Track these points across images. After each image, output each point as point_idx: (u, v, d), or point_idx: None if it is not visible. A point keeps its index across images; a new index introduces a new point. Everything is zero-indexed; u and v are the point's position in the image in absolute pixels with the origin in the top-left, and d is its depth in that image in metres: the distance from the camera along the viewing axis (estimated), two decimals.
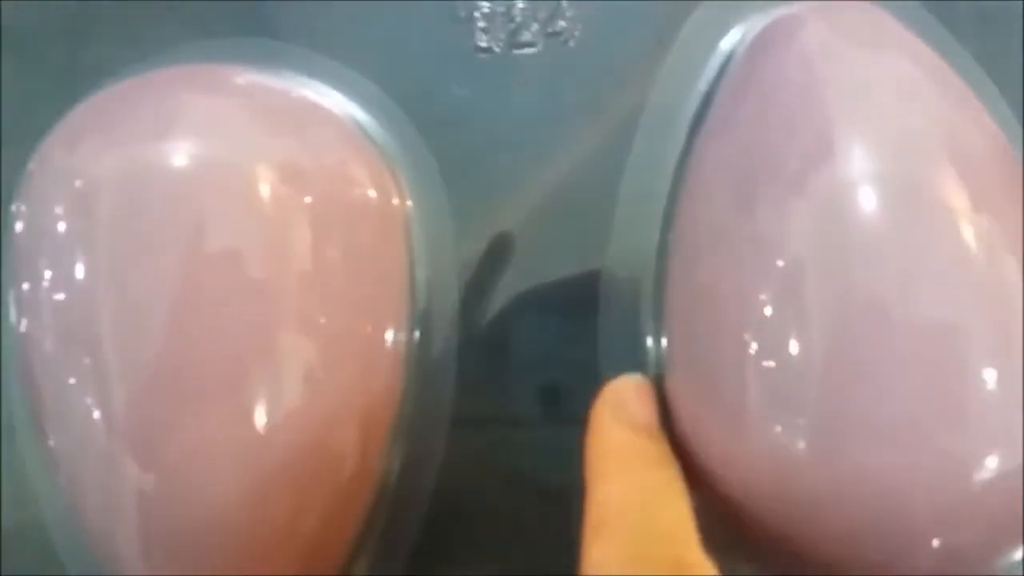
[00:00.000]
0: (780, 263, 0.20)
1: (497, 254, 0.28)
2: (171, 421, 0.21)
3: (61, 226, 0.22)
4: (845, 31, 0.23)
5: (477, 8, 0.29)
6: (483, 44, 0.29)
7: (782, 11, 0.25)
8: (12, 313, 0.23)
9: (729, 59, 0.26)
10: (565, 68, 0.28)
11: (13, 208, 0.23)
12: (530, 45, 0.29)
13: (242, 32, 0.29)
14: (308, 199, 0.23)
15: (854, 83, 0.22)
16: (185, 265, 0.22)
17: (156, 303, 0.21)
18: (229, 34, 0.29)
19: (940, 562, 0.20)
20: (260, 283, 0.22)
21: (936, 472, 0.19)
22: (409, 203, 0.28)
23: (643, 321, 0.26)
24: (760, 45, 0.25)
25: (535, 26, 0.29)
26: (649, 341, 0.26)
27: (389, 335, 0.25)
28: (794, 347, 0.20)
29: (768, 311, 0.20)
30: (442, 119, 0.28)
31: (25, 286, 0.22)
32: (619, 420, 0.22)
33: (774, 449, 0.20)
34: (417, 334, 0.27)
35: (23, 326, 0.23)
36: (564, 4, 0.29)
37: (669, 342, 0.25)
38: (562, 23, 0.29)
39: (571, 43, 0.29)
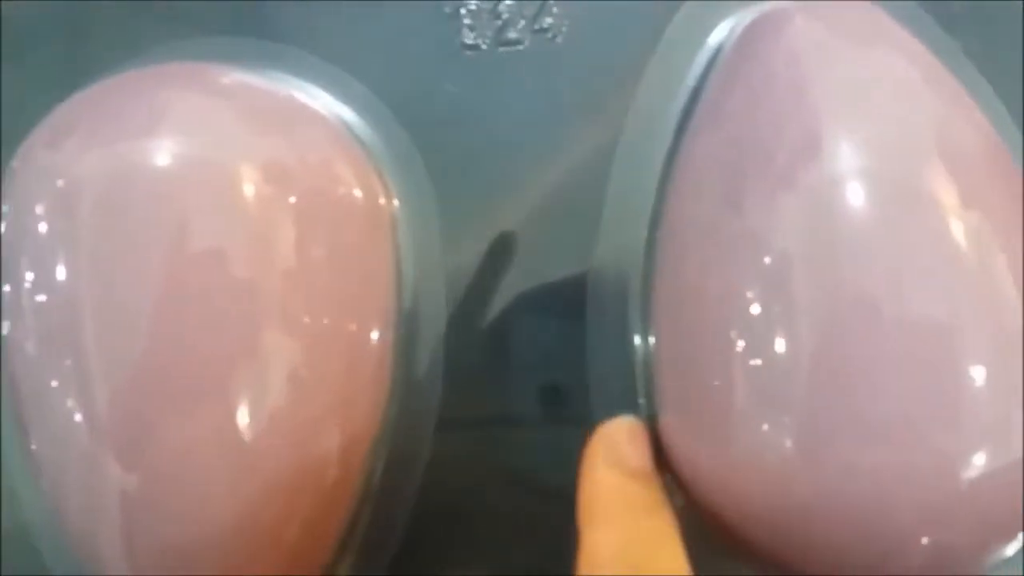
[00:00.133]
0: (768, 259, 0.20)
1: (493, 254, 0.28)
2: (154, 422, 0.21)
3: (43, 226, 0.22)
4: (833, 26, 0.23)
5: (463, 5, 0.29)
6: (469, 41, 0.29)
7: (770, 6, 0.25)
8: None
9: (717, 54, 0.26)
10: (552, 65, 0.28)
11: None
12: (517, 42, 0.29)
13: (239, 32, 0.29)
14: (293, 198, 0.23)
15: (842, 78, 0.22)
16: (169, 265, 0.21)
17: (139, 303, 0.21)
18: (227, 34, 0.29)
19: (931, 559, 0.20)
20: (244, 283, 0.22)
21: (927, 470, 0.19)
22: (396, 202, 0.28)
23: (631, 318, 0.26)
24: (748, 40, 0.24)
25: (522, 23, 0.29)
26: (637, 339, 0.26)
27: (375, 335, 0.25)
28: (782, 344, 0.20)
29: (756, 308, 0.20)
30: (428, 117, 0.28)
31: (7, 287, 0.22)
32: (612, 464, 0.22)
33: (762, 447, 0.20)
34: (404, 334, 0.27)
35: (5, 328, 0.22)
36: (551, 1, 0.29)
37: (657, 340, 0.25)
38: (549, 20, 0.29)
39: (558, 40, 0.29)
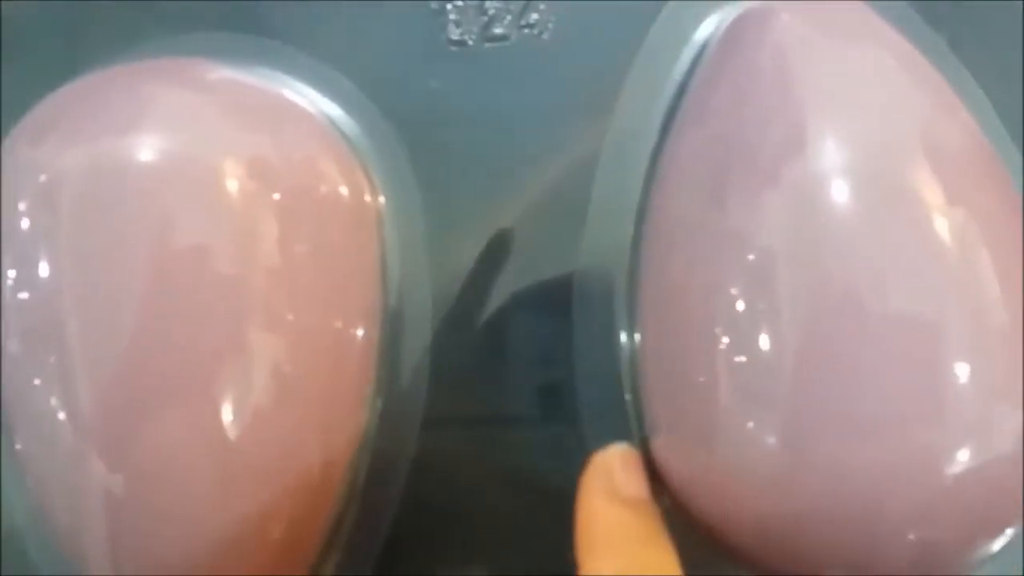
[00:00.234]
0: (752, 256, 0.20)
1: (480, 250, 0.28)
2: (138, 420, 0.21)
3: (25, 221, 0.22)
4: (819, 22, 0.23)
5: (450, 1, 0.29)
6: (456, 37, 0.29)
7: (756, 1, 0.25)
8: None
9: (703, 50, 0.26)
10: (538, 61, 0.28)
11: None
12: (503, 39, 0.29)
13: (227, 28, 0.29)
14: (277, 195, 0.23)
15: (827, 75, 0.22)
16: (152, 261, 0.21)
17: (123, 300, 0.21)
18: (217, 31, 0.29)
19: (918, 556, 0.20)
20: (229, 280, 0.22)
21: (914, 466, 0.19)
22: (381, 199, 0.28)
23: (617, 316, 0.26)
24: (734, 36, 0.24)
25: (508, 19, 0.28)
26: (623, 336, 0.26)
27: (360, 332, 0.25)
28: (767, 341, 0.20)
29: (741, 305, 0.20)
30: (414, 113, 0.28)
31: None
32: (608, 495, 0.22)
33: (747, 444, 0.20)
34: (389, 331, 0.27)
35: None
36: None
37: (642, 337, 0.24)
38: (535, 16, 0.28)
39: (544, 36, 0.28)
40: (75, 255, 0.21)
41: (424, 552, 0.27)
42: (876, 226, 0.19)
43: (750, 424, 0.20)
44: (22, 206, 0.22)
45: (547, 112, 0.28)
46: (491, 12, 0.29)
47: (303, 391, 0.23)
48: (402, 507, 0.26)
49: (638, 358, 0.25)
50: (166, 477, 0.21)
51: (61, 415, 0.21)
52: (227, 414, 0.21)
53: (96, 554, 0.22)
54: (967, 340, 0.19)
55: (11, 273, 0.22)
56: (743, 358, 0.20)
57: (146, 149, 0.22)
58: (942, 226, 0.20)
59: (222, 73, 0.26)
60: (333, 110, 0.28)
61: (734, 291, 0.20)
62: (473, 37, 0.29)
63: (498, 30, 0.29)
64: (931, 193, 0.20)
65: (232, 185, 0.22)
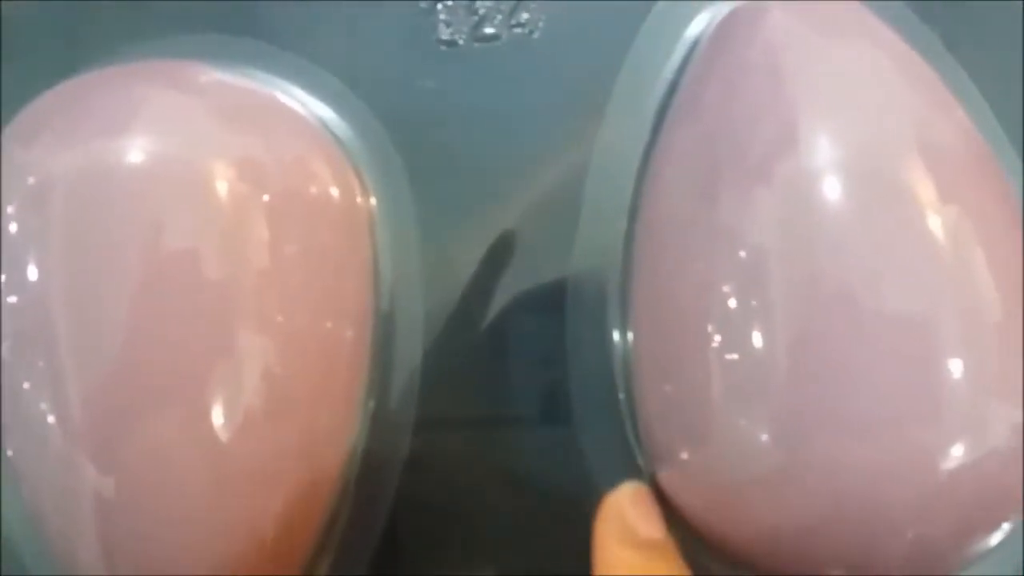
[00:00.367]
0: (744, 253, 0.20)
1: (472, 251, 0.28)
2: (130, 423, 0.21)
3: (14, 224, 0.22)
4: (810, 19, 0.23)
5: (440, 1, 0.29)
6: (446, 37, 0.29)
7: None
8: None
9: (694, 48, 0.26)
10: (529, 61, 0.28)
11: None
12: (494, 38, 0.28)
13: (220, 30, 0.29)
14: (268, 197, 0.23)
15: (819, 72, 0.22)
16: (142, 263, 0.21)
17: (113, 302, 0.21)
18: (212, 32, 0.29)
19: (916, 553, 0.20)
20: (219, 282, 0.22)
21: (910, 463, 0.19)
22: (373, 200, 0.28)
23: (610, 314, 0.26)
24: (725, 33, 0.24)
25: (498, 18, 0.28)
26: (616, 334, 0.26)
27: (351, 333, 0.25)
28: (759, 339, 0.20)
29: (733, 302, 0.20)
30: (405, 113, 0.28)
31: None
32: (623, 539, 0.21)
33: (740, 442, 0.20)
34: (381, 333, 0.27)
35: None
36: None
37: (635, 335, 0.24)
38: (526, 15, 0.28)
39: (535, 35, 0.28)
40: (65, 257, 0.21)
41: (424, 552, 0.27)
42: (869, 223, 0.19)
43: (743, 422, 0.20)
44: (11, 208, 0.22)
45: (538, 111, 0.28)
46: (481, 11, 0.29)
47: (294, 393, 0.23)
48: (402, 507, 0.26)
49: (631, 357, 0.25)
50: (158, 480, 0.21)
51: (51, 418, 0.21)
52: (218, 416, 0.21)
53: (88, 557, 0.22)
54: (961, 337, 0.19)
55: (0, 276, 0.22)
56: (735, 356, 0.20)
57: (136, 151, 0.22)
58: (935, 223, 0.19)
59: (212, 75, 0.26)
60: (323, 111, 0.28)
61: (726, 289, 0.20)
62: (463, 37, 0.28)
63: (488, 29, 0.28)
64: (924, 190, 0.20)
65: (223, 187, 0.22)
